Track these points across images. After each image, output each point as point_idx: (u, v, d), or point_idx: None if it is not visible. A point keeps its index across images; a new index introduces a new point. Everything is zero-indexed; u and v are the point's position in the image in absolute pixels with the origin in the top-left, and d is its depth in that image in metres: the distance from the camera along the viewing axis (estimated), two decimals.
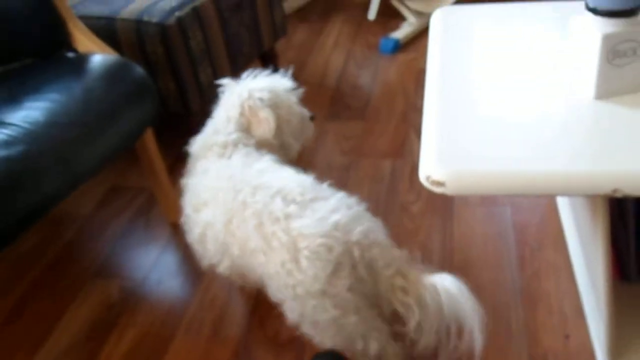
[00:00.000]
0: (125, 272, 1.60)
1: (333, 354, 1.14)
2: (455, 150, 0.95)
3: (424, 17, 2.64)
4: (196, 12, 1.80)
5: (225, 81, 1.39)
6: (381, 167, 1.85)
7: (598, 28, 0.98)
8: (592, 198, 1.09)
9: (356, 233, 1.05)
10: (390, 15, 2.74)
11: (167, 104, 1.84)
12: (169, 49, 1.74)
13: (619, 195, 0.86)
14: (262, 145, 1.31)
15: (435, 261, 1.49)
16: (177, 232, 1.65)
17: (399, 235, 1.59)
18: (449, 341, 1.05)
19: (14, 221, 1.15)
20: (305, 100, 1.42)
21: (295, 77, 2.45)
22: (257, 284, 1.20)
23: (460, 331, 1.04)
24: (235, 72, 2.02)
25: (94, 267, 1.62)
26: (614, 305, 1.10)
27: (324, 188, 1.14)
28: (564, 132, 0.97)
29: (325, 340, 1.13)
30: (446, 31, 1.34)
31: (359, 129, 2.04)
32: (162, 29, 1.71)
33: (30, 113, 1.25)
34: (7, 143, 1.17)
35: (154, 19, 1.72)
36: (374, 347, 1.12)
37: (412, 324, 1.05)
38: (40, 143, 1.20)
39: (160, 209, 1.76)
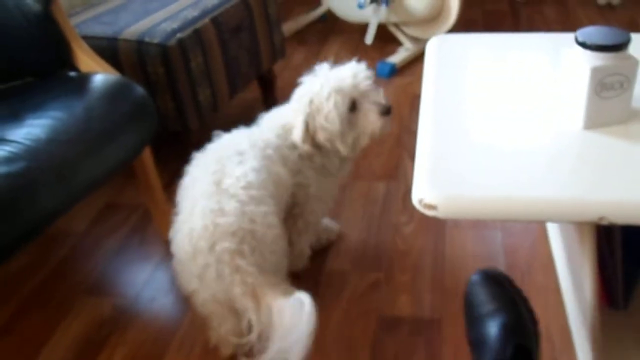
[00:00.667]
0: (118, 289, 1.61)
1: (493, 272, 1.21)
2: (448, 175, 0.97)
3: (420, 43, 2.69)
4: (197, 34, 1.83)
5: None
6: (375, 189, 1.88)
7: (587, 61, 1.01)
8: (580, 225, 1.11)
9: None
10: (387, 40, 2.79)
11: (166, 122, 1.86)
12: (170, 69, 1.77)
13: (605, 222, 0.89)
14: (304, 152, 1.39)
15: (427, 282, 1.51)
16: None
17: (391, 255, 1.61)
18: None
19: (12, 237, 1.16)
20: None
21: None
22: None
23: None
24: (233, 93, 2.06)
25: (86, 284, 1.62)
26: (602, 332, 1.12)
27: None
28: (554, 160, 0.99)
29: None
30: (441, 58, 1.37)
31: None
32: (163, 49, 1.74)
33: (31, 130, 1.27)
34: (8, 160, 1.19)
35: (156, 40, 1.75)
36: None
37: (254, 336, 1.16)
38: (40, 160, 1.22)
39: (155, 227, 1.77)
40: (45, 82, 1.54)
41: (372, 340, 1.38)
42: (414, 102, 2.26)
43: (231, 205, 1.17)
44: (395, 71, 2.58)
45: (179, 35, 1.77)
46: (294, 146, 1.40)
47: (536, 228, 1.65)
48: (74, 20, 1.91)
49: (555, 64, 1.16)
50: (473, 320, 1.14)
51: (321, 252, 1.64)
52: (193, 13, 1.89)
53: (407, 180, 1.90)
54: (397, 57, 2.63)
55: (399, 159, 2.00)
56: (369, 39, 2.75)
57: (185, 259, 1.20)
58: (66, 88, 1.48)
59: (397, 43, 2.74)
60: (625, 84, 1.03)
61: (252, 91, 2.43)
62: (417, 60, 2.66)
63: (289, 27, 3.02)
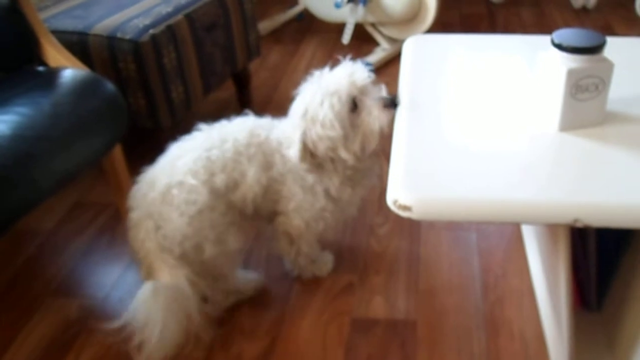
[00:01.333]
0: (86, 290, 1.57)
1: None
2: (423, 177, 0.96)
3: (397, 44, 2.68)
4: (170, 30, 1.80)
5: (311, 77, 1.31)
6: None
7: (563, 63, 1.01)
8: (554, 227, 1.11)
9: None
10: (363, 40, 2.78)
11: (138, 119, 1.83)
12: (142, 66, 1.73)
13: (579, 225, 0.89)
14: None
15: (401, 284, 1.50)
16: None
17: (365, 257, 1.60)
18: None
19: None
20: None
21: (268, 97, 2.47)
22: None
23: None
24: (207, 91, 2.03)
25: (53, 284, 1.58)
26: (575, 334, 1.12)
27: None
28: (529, 162, 0.99)
29: None
30: (417, 58, 1.37)
31: None
32: (135, 46, 1.70)
33: None
34: None
35: (128, 36, 1.71)
36: None
37: None
38: (5, 157, 1.18)
39: (125, 227, 1.73)
40: (11, 77, 1.49)
41: (346, 341, 1.36)
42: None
43: (161, 182, 1.29)
44: (372, 71, 2.57)
45: (151, 31, 1.74)
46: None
47: (511, 231, 1.65)
48: (44, 14, 1.86)
49: (531, 66, 1.16)
50: None
51: None
52: (166, 9, 1.86)
53: (383, 181, 1.88)
54: (374, 57, 2.63)
55: (379, 145, 1.98)
56: (346, 38, 2.74)
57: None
58: (33, 83, 1.44)
59: (373, 43, 2.73)
60: (601, 87, 1.03)
61: (227, 90, 2.40)
62: (393, 60, 2.65)
63: (265, 25, 2.99)
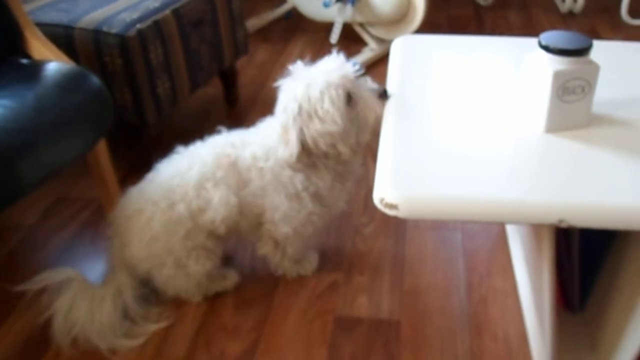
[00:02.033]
0: None
1: None
2: (410, 175, 0.96)
3: (385, 44, 2.69)
4: (157, 25, 1.78)
5: (291, 69, 1.26)
6: None
7: (550, 65, 1.02)
8: (539, 228, 1.12)
9: None
10: (351, 40, 2.78)
11: (123, 115, 1.81)
12: (128, 60, 1.71)
13: (564, 225, 0.89)
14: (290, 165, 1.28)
15: (386, 284, 1.50)
16: None
17: (350, 256, 1.60)
18: None
19: None
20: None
21: (255, 95, 2.46)
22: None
23: None
24: (194, 87, 2.02)
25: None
26: (558, 335, 1.13)
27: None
28: (515, 162, 0.99)
29: None
30: (405, 59, 1.37)
31: None
32: (121, 40, 1.68)
33: None
34: None
35: (114, 30, 1.69)
36: None
37: None
38: None
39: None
40: None
41: (330, 340, 1.36)
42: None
43: (130, 206, 1.39)
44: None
45: (138, 25, 1.72)
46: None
47: (496, 231, 1.66)
48: (29, 6, 1.83)
49: (518, 67, 1.16)
50: None
51: None
52: (154, 4, 1.84)
53: (368, 181, 1.89)
54: (362, 57, 2.63)
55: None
56: (334, 38, 2.74)
57: None
58: (17, 75, 1.42)
59: (361, 43, 2.73)
60: (587, 89, 1.04)
61: (214, 87, 2.39)
62: (381, 60, 2.66)
63: (252, 23, 2.98)
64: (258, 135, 1.36)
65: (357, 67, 1.27)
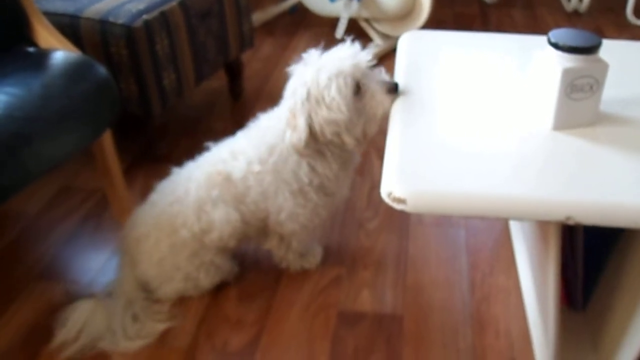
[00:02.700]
0: (71, 275, 1.55)
1: None
2: (418, 170, 0.96)
3: (391, 40, 2.68)
4: (164, 16, 1.78)
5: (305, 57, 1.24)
6: None
7: (559, 62, 1.01)
8: (545, 226, 1.12)
9: None
10: (357, 36, 2.76)
11: (128, 106, 1.80)
12: (134, 51, 1.71)
13: (571, 222, 0.89)
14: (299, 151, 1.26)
15: (389, 279, 1.50)
16: None
17: (354, 251, 1.60)
18: None
19: None
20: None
21: (260, 88, 2.46)
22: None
23: None
24: (199, 80, 2.01)
25: (38, 268, 1.56)
26: (561, 332, 1.13)
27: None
28: (523, 159, 0.99)
29: None
30: (413, 55, 1.37)
31: None
32: (128, 31, 1.68)
33: None
34: None
35: (120, 20, 1.69)
36: None
37: None
38: None
39: (113, 212, 1.72)
40: (1, 57, 1.46)
41: (332, 334, 1.36)
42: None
43: (139, 228, 1.43)
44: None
45: (145, 16, 1.72)
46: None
47: (499, 228, 1.66)
48: None
49: (526, 64, 1.16)
50: None
51: None
52: None
53: (373, 176, 1.89)
54: None
55: (365, 155, 1.98)
56: (339, 33, 2.73)
57: None
58: (23, 64, 1.42)
59: (367, 39, 2.73)
60: (595, 87, 1.04)
61: (219, 79, 2.39)
62: (387, 56, 2.65)
63: (258, 17, 2.97)
64: (249, 139, 1.35)
65: (370, 56, 1.24)
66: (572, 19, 3.08)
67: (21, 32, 1.52)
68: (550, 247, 1.06)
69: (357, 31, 2.76)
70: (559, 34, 1.04)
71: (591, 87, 1.04)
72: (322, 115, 1.20)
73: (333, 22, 2.81)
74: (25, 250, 1.63)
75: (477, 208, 0.91)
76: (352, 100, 1.19)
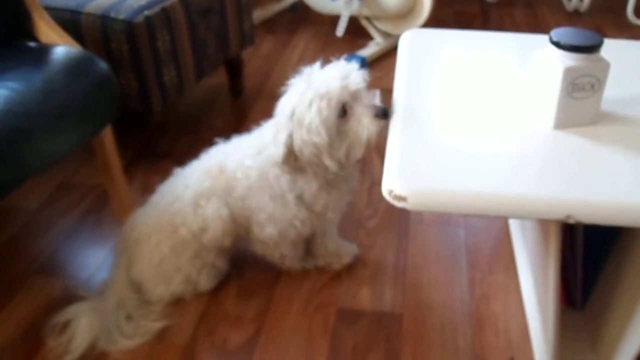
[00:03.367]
0: (70, 271, 1.55)
1: None
2: (419, 168, 0.96)
3: (391, 38, 2.68)
4: (165, 13, 1.77)
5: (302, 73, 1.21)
6: None
7: (560, 61, 1.01)
8: (545, 225, 1.12)
9: None
10: (357, 34, 2.77)
11: (128, 102, 1.80)
12: (135, 47, 1.71)
13: (572, 221, 0.89)
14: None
15: (389, 277, 1.50)
16: None
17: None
18: None
19: None
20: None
21: (260, 86, 2.46)
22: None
23: None
24: (200, 76, 2.01)
25: (37, 264, 1.56)
26: (560, 331, 1.13)
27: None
28: (523, 157, 0.99)
29: None
30: (414, 53, 1.36)
31: None
32: (129, 26, 1.68)
33: None
34: None
35: (121, 16, 1.69)
36: None
37: None
38: None
39: (113, 209, 1.72)
40: (2, 52, 1.46)
41: (331, 332, 1.36)
42: (383, 96, 2.24)
43: (138, 229, 1.43)
44: (365, 65, 2.57)
45: (146, 12, 1.72)
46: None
47: (499, 227, 1.66)
48: None
49: (527, 63, 1.16)
50: None
51: None
52: None
53: (372, 174, 1.89)
54: (368, 51, 2.62)
55: (365, 154, 1.98)
56: (340, 31, 2.73)
57: None
58: (24, 59, 1.41)
59: (367, 37, 2.73)
60: (596, 86, 1.04)
61: (219, 77, 2.39)
62: (387, 55, 2.65)
63: (258, 14, 2.97)
64: (253, 136, 1.35)
65: (364, 74, 1.20)
66: (573, 18, 3.08)
67: (22, 27, 1.51)
68: (550, 246, 1.06)
69: (358, 29, 2.76)
70: (561, 32, 1.04)
71: (592, 86, 1.04)
72: (301, 136, 1.16)
73: (334, 20, 2.80)
74: (25, 246, 1.63)
75: (478, 206, 0.91)
76: (335, 124, 1.16)
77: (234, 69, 2.31)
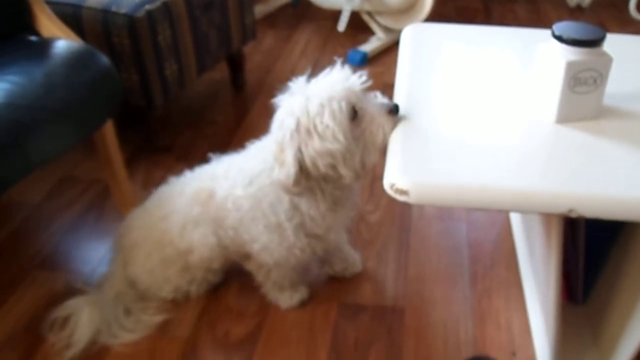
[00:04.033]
0: (72, 265, 1.55)
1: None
2: (421, 162, 0.96)
3: (393, 33, 2.68)
4: (166, 7, 1.77)
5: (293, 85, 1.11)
6: None
7: (562, 55, 1.01)
8: (547, 219, 1.12)
9: None
10: (359, 29, 2.77)
11: (130, 96, 1.80)
12: (136, 41, 1.70)
13: (574, 215, 0.89)
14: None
15: (390, 272, 1.50)
16: None
17: (356, 243, 1.60)
18: None
19: None
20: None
21: (261, 81, 2.46)
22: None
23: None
24: (201, 71, 2.01)
25: (39, 258, 1.56)
26: (561, 326, 1.13)
27: None
28: (525, 152, 0.99)
29: None
30: (416, 47, 1.36)
31: None
32: (130, 21, 1.68)
33: None
34: None
35: (123, 10, 1.68)
36: None
37: None
38: None
39: (114, 203, 1.72)
40: (3, 45, 1.46)
41: (333, 326, 1.36)
42: (384, 91, 2.23)
43: (132, 235, 1.43)
44: (367, 60, 2.56)
45: (147, 6, 1.71)
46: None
47: (500, 222, 1.66)
48: None
49: (529, 58, 1.16)
50: None
51: None
52: None
53: (374, 169, 1.88)
54: (369, 46, 2.62)
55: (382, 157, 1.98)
56: (341, 26, 2.73)
57: None
58: (26, 52, 1.41)
59: (369, 32, 2.72)
60: (599, 80, 1.03)
61: (221, 71, 2.38)
62: (389, 50, 2.65)
63: (260, 9, 2.97)
64: (242, 159, 1.27)
65: (363, 79, 1.12)
66: (575, 13, 3.07)
67: (24, 21, 1.51)
68: (552, 240, 1.06)
69: (360, 24, 2.76)
70: (563, 26, 1.04)
71: (595, 81, 1.03)
72: (314, 146, 1.06)
73: (335, 15, 2.80)
74: (26, 240, 1.63)
75: (480, 200, 0.90)
76: (349, 127, 1.06)
77: (236, 63, 2.31)
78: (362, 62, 2.54)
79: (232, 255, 1.36)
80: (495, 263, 1.53)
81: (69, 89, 1.31)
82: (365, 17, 2.72)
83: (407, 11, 2.63)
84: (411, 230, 1.64)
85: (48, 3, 1.61)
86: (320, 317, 1.39)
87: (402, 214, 1.69)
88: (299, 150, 1.07)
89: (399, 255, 1.56)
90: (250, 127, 2.08)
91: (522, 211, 1.10)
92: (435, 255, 1.56)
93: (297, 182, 1.08)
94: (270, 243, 1.25)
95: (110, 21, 1.70)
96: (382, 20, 2.71)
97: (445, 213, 1.70)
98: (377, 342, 1.33)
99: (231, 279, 1.48)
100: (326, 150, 1.06)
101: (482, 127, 1.05)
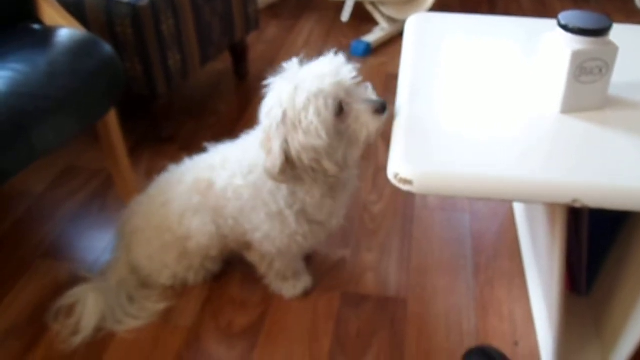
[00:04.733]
0: (76, 254, 1.56)
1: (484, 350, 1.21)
2: (425, 152, 0.96)
3: (396, 24, 2.66)
4: None
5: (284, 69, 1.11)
6: None
7: (568, 45, 1.00)
8: (551, 209, 1.11)
9: None
10: (363, 19, 2.76)
11: (133, 85, 1.80)
12: (139, 31, 1.70)
13: (578, 205, 0.89)
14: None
15: (393, 262, 1.51)
16: None
17: (358, 234, 1.60)
18: None
19: None
20: None
21: (264, 71, 2.44)
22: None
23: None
24: (205, 61, 2.01)
25: (42, 247, 1.57)
26: (564, 317, 1.13)
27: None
28: (530, 141, 0.99)
29: None
30: (420, 37, 1.35)
31: None
32: (134, 10, 1.67)
33: None
34: None
35: None
36: None
37: None
38: None
39: (118, 192, 1.72)
40: (6, 34, 1.46)
41: (336, 316, 1.37)
42: (387, 82, 2.24)
43: (134, 221, 1.44)
44: (370, 50, 2.55)
45: None
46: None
47: (503, 213, 1.66)
48: None
49: (534, 48, 1.15)
50: None
51: None
52: None
53: (377, 159, 1.89)
54: (373, 37, 2.61)
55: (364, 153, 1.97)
56: (345, 16, 2.72)
57: None
58: (29, 41, 1.41)
59: (372, 22, 2.71)
60: (604, 70, 1.03)
61: (224, 61, 2.38)
62: (392, 40, 2.64)
63: None
64: (240, 149, 1.26)
65: (354, 73, 1.10)
66: (580, 4, 3.05)
67: (27, 9, 1.51)
68: (555, 231, 1.06)
69: (363, 14, 2.74)
70: (569, 15, 1.03)
71: (600, 70, 1.03)
72: (299, 140, 1.05)
73: (339, 5, 2.79)
74: (30, 230, 1.64)
75: (484, 189, 0.90)
76: (333, 123, 1.05)
77: (239, 53, 2.30)
78: (366, 52, 2.53)
79: (231, 244, 1.36)
80: (498, 254, 1.53)
81: (72, 78, 1.31)
82: (369, 8, 2.70)
83: (410, 1, 2.61)
84: (414, 221, 1.64)
85: None
86: (323, 308, 1.39)
87: (405, 205, 1.69)
88: (285, 141, 1.07)
89: (402, 246, 1.56)
90: (253, 117, 2.07)
91: (527, 201, 1.10)
92: (438, 245, 1.56)
93: (282, 171, 1.08)
94: (272, 231, 1.24)
95: (114, 10, 1.69)
96: (386, 10, 2.70)
97: (448, 204, 1.70)
98: (380, 332, 1.33)
99: (234, 269, 1.48)
100: (310, 145, 1.06)
101: (486, 117, 1.05)
